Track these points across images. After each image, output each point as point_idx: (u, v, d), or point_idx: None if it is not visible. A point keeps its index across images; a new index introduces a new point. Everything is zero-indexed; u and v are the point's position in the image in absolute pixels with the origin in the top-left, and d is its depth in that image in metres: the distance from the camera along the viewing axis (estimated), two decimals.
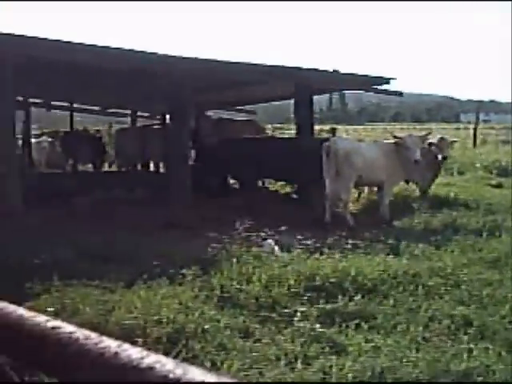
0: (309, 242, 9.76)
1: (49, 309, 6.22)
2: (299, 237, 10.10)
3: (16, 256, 8.42)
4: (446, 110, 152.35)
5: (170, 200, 14.52)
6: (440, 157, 15.37)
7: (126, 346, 1.28)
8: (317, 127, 20.37)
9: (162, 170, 22.77)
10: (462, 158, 24.69)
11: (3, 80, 13.37)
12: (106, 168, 26.19)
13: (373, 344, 6.02)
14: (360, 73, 17.25)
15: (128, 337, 5.72)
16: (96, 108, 28.46)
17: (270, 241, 9.88)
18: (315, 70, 16.49)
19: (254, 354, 5.72)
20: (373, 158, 13.94)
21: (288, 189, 18.72)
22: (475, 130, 37.17)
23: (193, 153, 18.76)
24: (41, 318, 1.48)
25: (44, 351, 1.43)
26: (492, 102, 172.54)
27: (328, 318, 6.82)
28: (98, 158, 24.50)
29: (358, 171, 13.68)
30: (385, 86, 17.81)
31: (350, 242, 10.07)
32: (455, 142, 17.01)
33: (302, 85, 16.55)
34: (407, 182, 16.66)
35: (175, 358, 5.22)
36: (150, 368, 1.19)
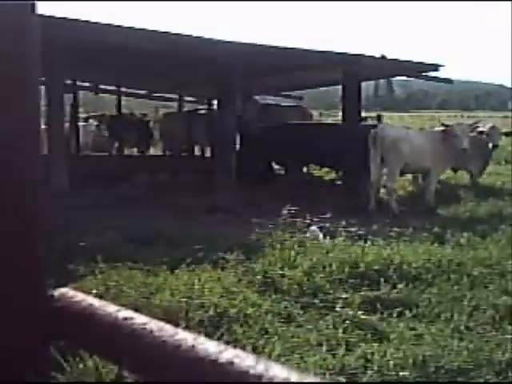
0: (353, 229, 9.73)
1: (93, 290, 6.29)
2: (343, 223, 10.07)
3: (61, 238, 8.51)
4: (494, 97, 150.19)
5: (215, 185, 14.56)
6: (490, 145, 15.21)
7: (202, 339, 1.26)
8: (363, 114, 20.17)
9: (207, 155, 22.85)
10: (509, 146, 24.32)
11: (53, 63, 13.52)
12: (151, 152, 26.34)
13: (415, 332, 5.99)
14: (408, 59, 17.10)
15: (171, 319, 5.77)
16: (142, 92, 28.59)
17: (314, 227, 9.86)
18: (364, 56, 16.37)
19: (295, 339, 5.72)
20: (419, 145, 13.84)
21: (333, 175, 18.67)
22: None
23: (238, 138, 18.77)
24: (111, 308, 1.47)
25: (117, 342, 1.42)
26: None
27: (370, 305, 6.80)
28: (143, 142, 24.64)
29: (404, 159, 13.60)
30: (434, 73, 17.64)
31: (395, 229, 10.00)
32: (510, 133, 16.77)
33: (350, 71, 16.44)
34: (456, 170, 16.53)
35: (217, 341, 5.27)
36: (230, 363, 1.16)
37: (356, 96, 17.13)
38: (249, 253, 8.25)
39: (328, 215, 10.55)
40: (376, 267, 7.85)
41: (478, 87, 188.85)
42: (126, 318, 1.40)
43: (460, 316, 6.43)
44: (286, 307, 6.62)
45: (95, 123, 27.14)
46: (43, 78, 15.70)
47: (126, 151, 25.55)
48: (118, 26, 13.07)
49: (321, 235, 9.58)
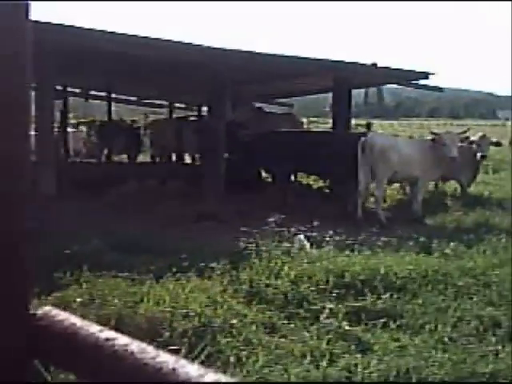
0: (340, 238, 9.73)
1: (78, 299, 6.28)
2: (330, 232, 10.08)
3: (47, 245, 8.48)
4: (483, 105, 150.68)
5: (204, 192, 14.55)
6: (479, 155, 15.23)
7: (184, 361, 1.25)
8: (353, 121, 20.23)
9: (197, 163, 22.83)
10: (497, 155, 24.39)
11: (43, 69, 13.49)
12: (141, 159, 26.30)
13: (399, 343, 6.01)
14: (398, 67, 17.14)
15: (155, 329, 5.77)
16: (133, 98, 28.59)
17: (300, 236, 9.85)
18: (355, 63, 16.40)
19: (279, 350, 5.73)
20: (408, 154, 13.86)
21: (321, 183, 18.66)
22: None
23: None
24: (94, 328, 1.46)
25: (99, 364, 1.41)
26: None
27: (355, 315, 6.81)
28: (133, 148, 24.61)
29: (392, 168, 13.63)
30: (424, 81, 17.68)
31: (382, 238, 10.01)
32: (499, 143, 16.76)
33: (340, 78, 16.49)
34: (446, 180, 16.55)
35: (201, 352, 5.28)
36: None
37: (346, 104, 17.18)
38: (235, 262, 8.24)
39: (315, 224, 10.55)
40: (362, 277, 7.86)
41: (468, 95, 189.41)
42: (108, 339, 1.40)
43: (444, 327, 6.45)
44: (270, 317, 6.61)
45: (85, 130, 27.11)
46: (33, 84, 15.71)
47: (116, 158, 25.50)
48: (109, 32, 13.06)
49: (307, 244, 9.57)
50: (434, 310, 7.03)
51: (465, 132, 14.81)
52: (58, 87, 21.44)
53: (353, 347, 5.92)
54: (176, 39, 13.84)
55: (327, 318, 6.56)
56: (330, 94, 18.51)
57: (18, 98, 1.54)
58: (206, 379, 1.17)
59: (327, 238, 9.72)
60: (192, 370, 1.21)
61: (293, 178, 19.19)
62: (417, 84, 18.10)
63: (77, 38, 12.56)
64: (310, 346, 5.84)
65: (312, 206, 13.65)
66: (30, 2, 1.57)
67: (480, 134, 16.07)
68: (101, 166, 21.37)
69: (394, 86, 21.85)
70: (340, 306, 6.96)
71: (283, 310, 6.90)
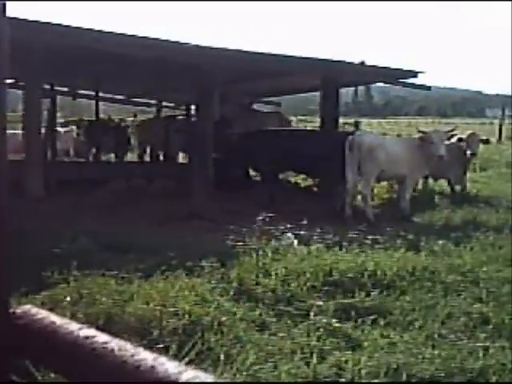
0: (328, 236, 9.75)
1: (66, 298, 6.27)
2: (319, 230, 10.09)
3: (35, 245, 8.46)
4: (471, 104, 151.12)
5: (192, 191, 14.54)
6: (468, 153, 15.28)
7: (163, 359, 1.26)
8: (341, 120, 20.26)
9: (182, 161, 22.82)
10: (485, 153, 24.50)
11: (30, 68, 13.46)
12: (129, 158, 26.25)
13: (388, 340, 6.01)
14: (386, 66, 17.17)
15: (144, 328, 5.76)
16: (121, 97, 28.51)
17: (289, 234, 9.87)
18: (343, 62, 16.42)
19: (269, 347, 5.72)
20: (396, 152, 13.88)
21: (309, 182, 18.68)
22: (501, 125, 36.90)
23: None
24: (73, 326, 1.46)
25: (77, 361, 1.40)
26: None
27: (344, 312, 6.82)
28: (121, 147, 24.54)
29: (380, 166, 13.65)
30: (412, 80, 17.73)
31: (370, 236, 10.03)
32: (487, 141, 16.85)
33: (329, 77, 16.50)
34: (436, 179, 16.60)
35: (190, 350, 5.27)
36: None
37: (334, 102, 17.19)
38: (224, 260, 8.24)
39: (303, 222, 10.58)
40: (350, 275, 7.87)
41: (455, 94, 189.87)
42: (87, 337, 1.39)
43: (433, 324, 6.48)
44: (260, 315, 6.61)
45: (76, 129, 27.00)
46: (21, 83, 15.64)
47: (103, 157, 25.41)
48: (97, 30, 13.04)
49: (296, 242, 9.59)
50: (423, 306, 7.04)
51: (452, 130, 14.83)
52: (46, 86, 21.37)
53: (342, 344, 5.93)
54: (163, 38, 13.83)
55: (316, 315, 6.57)
56: (319, 93, 18.52)
57: None
58: (185, 376, 1.18)
59: (315, 236, 9.75)
60: (171, 367, 1.22)
61: (281, 176, 19.20)
62: (404, 82, 18.14)
63: (64, 36, 12.53)
64: (300, 343, 5.84)
65: (300, 205, 13.68)
66: (6, 1, 1.56)
67: (469, 131, 16.14)
68: (89, 166, 21.30)
69: (383, 84, 21.90)
70: (329, 303, 6.96)
71: (272, 308, 6.89)
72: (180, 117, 25.73)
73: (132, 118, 33.64)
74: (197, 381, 1.16)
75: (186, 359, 4.92)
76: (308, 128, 30.22)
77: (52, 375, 4.42)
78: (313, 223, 10.76)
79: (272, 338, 6.03)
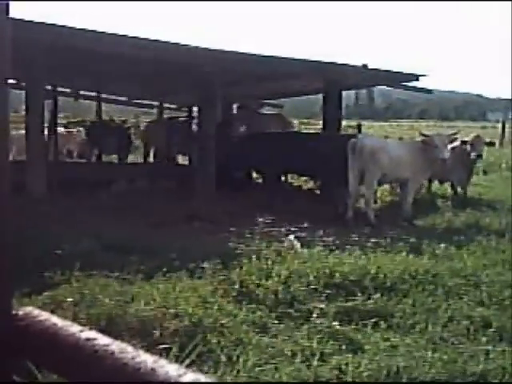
0: (330, 239, 9.74)
1: (68, 299, 6.27)
2: (321, 233, 10.09)
3: (37, 245, 8.47)
4: (473, 108, 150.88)
5: (194, 193, 14.54)
6: (473, 155, 15.27)
7: (163, 361, 1.26)
8: (343, 123, 20.26)
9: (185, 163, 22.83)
10: (487, 157, 24.49)
11: (32, 68, 13.46)
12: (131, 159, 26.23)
13: (390, 343, 6.01)
14: (388, 69, 17.17)
15: (145, 329, 5.76)
16: (123, 99, 28.50)
17: (291, 236, 9.86)
18: (345, 65, 16.42)
19: (270, 349, 5.72)
20: (398, 156, 13.86)
21: (311, 184, 18.68)
22: (503, 129, 36.83)
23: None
24: (75, 328, 1.46)
25: (78, 363, 1.40)
26: None
27: (346, 315, 6.81)
28: (123, 148, 24.51)
29: (382, 169, 13.63)
30: (414, 83, 17.74)
31: (372, 239, 10.03)
32: (492, 143, 16.86)
33: (331, 80, 16.51)
34: (442, 182, 16.58)
35: (191, 351, 5.26)
36: None
37: (337, 105, 17.20)
38: (225, 262, 8.24)
39: (305, 225, 10.57)
40: (352, 277, 7.86)
41: (456, 97, 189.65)
42: (88, 339, 1.39)
43: (435, 327, 6.47)
44: (261, 317, 6.61)
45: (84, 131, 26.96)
46: (23, 84, 15.65)
47: (105, 158, 25.40)
48: (99, 32, 13.04)
49: (298, 245, 9.58)
50: (425, 310, 7.04)
51: (455, 134, 14.82)
52: (48, 87, 21.38)
53: (344, 347, 5.92)
54: (165, 39, 13.85)
55: (318, 317, 6.57)
56: (321, 96, 18.53)
57: None
58: (185, 379, 1.18)
59: (317, 239, 9.74)
60: (171, 369, 1.22)
61: (283, 178, 19.20)
62: (406, 86, 18.15)
63: (67, 37, 12.53)
64: (301, 345, 5.84)
65: (302, 207, 13.67)
66: (10, 1, 1.56)
67: (474, 134, 16.14)
68: (91, 167, 21.32)
69: (385, 87, 21.91)
70: (331, 305, 6.97)
71: (274, 310, 6.89)
72: (181, 119, 25.71)
73: (134, 120, 33.65)
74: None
75: (187, 361, 4.91)
76: (310, 131, 30.20)
77: (55, 376, 4.43)
78: (315, 226, 10.76)
79: (273, 340, 6.03)
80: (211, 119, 15.43)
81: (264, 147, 16.47)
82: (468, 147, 15.35)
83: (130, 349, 1.32)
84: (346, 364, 5.46)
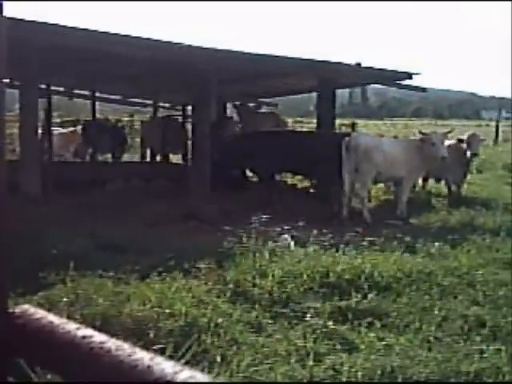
0: (325, 238, 9.73)
1: (63, 299, 6.25)
2: (315, 232, 10.08)
3: (32, 245, 8.45)
4: (467, 106, 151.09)
5: (189, 192, 14.53)
6: (469, 153, 15.27)
7: (159, 358, 1.26)
8: (337, 121, 20.27)
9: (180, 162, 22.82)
10: (481, 155, 24.50)
11: (27, 68, 13.43)
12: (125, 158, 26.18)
13: (385, 342, 6.01)
14: (382, 67, 17.19)
15: (140, 329, 5.75)
16: (117, 98, 28.46)
17: (285, 236, 9.86)
18: (339, 63, 16.43)
19: (265, 349, 5.72)
20: (393, 154, 13.86)
21: (306, 183, 18.66)
22: (497, 127, 36.89)
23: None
24: (71, 326, 1.46)
25: (74, 361, 1.40)
26: None
27: (341, 314, 6.82)
28: (118, 148, 24.46)
29: (377, 167, 13.64)
30: (408, 82, 17.75)
31: (367, 238, 10.01)
32: (483, 140, 16.89)
33: (325, 78, 16.53)
34: (438, 180, 16.59)
35: (186, 351, 5.26)
36: None
37: (331, 103, 17.22)
38: (220, 261, 8.24)
39: (300, 224, 10.56)
40: (347, 276, 7.88)
41: (451, 95, 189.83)
42: (84, 337, 1.39)
43: (429, 326, 6.48)
44: (256, 317, 6.61)
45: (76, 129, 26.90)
46: (17, 83, 15.62)
47: (100, 157, 25.35)
48: (94, 31, 13.03)
49: (292, 244, 9.58)
50: (419, 309, 7.05)
51: (449, 132, 14.82)
52: (42, 86, 21.34)
53: (338, 346, 5.93)
54: (158, 38, 13.84)
55: (313, 317, 6.57)
56: (315, 94, 18.54)
57: None
58: (181, 376, 1.18)
59: (312, 238, 9.73)
60: (167, 366, 1.22)
61: (278, 177, 19.18)
62: (400, 84, 18.17)
63: (61, 36, 12.50)
64: (296, 345, 5.85)
65: (297, 206, 13.67)
66: (3, 1, 1.55)
67: (469, 132, 16.15)
68: (86, 166, 21.29)
69: (379, 86, 21.92)
70: (325, 305, 6.98)
71: (269, 310, 6.90)
72: (175, 117, 25.70)
73: (128, 119, 33.62)
74: (193, 381, 1.16)
75: (182, 361, 4.91)
76: (304, 129, 30.19)
77: (49, 376, 4.42)
78: (309, 225, 10.75)
79: (268, 339, 6.03)
80: (206, 118, 15.42)
81: (258, 146, 16.44)
82: (464, 145, 15.34)
83: (126, 346, 1.32)
84: (341, 363, 5.47)
